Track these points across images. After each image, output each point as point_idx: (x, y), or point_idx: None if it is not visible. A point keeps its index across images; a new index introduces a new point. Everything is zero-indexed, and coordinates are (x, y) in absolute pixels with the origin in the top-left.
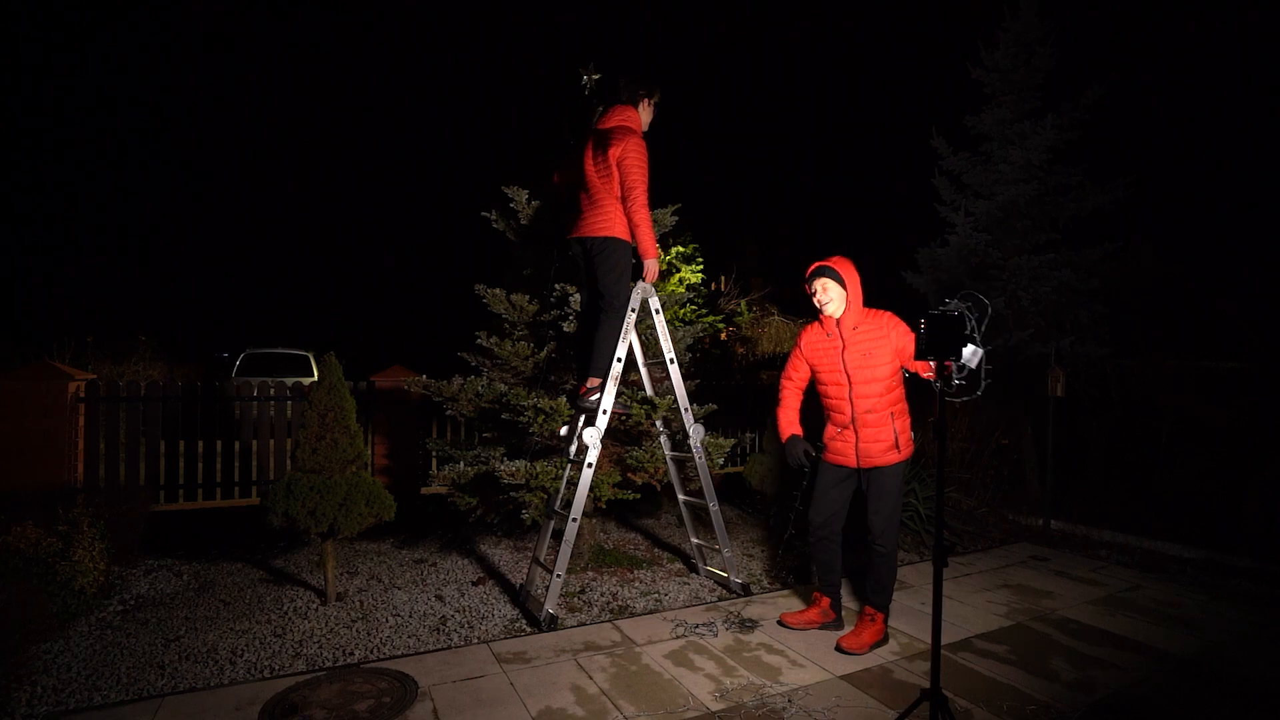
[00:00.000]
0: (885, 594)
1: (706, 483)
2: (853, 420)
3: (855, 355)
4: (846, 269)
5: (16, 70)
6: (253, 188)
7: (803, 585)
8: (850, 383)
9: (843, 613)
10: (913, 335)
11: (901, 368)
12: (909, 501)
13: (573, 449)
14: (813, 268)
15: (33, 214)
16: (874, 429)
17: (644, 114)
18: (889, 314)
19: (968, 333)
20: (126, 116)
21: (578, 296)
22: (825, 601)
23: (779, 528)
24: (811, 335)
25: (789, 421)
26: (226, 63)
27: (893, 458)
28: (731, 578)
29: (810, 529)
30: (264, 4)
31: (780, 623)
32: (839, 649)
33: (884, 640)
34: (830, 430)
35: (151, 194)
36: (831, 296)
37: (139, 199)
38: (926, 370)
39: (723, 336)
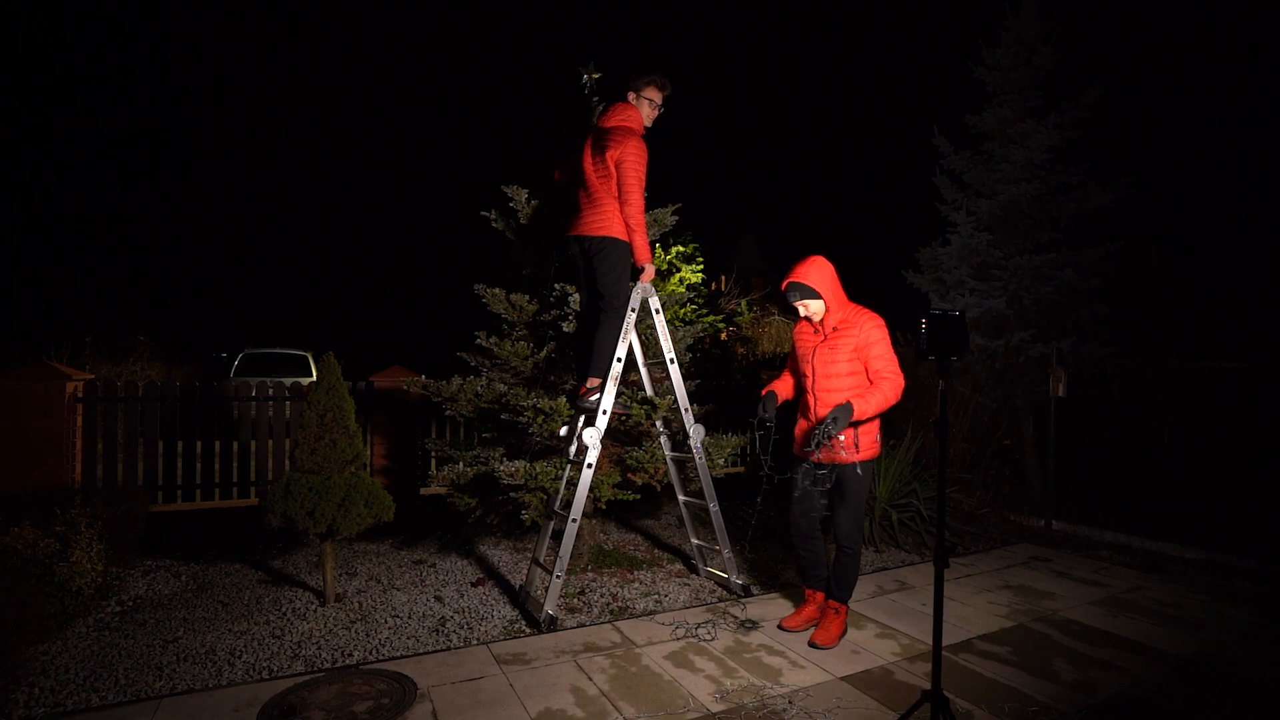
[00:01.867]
0: (848, 590)
1: (707, 483)
2: (814, 412)
3: (825, 350)
4: (817, 275)
5: (15, 69)
6: (252, 187)
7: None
8: (814, 375)
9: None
10: (876, 337)
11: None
12: (910, 502)
13: (572, 449)
14: (785, 284)
15: (31, 213)
16: None
17: (645, 110)
18: (868, 314)
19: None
20: (125, 115)
21: (577, 296)
22: (819, 596)
23: (779, 528)
24: (802, 325)
25: (770, 388)
26: (226, 61)
27: (850, 456)
28: (732, 578)
29: (793, 527)
30: (265, 3)
31: (781, 627)
32: (812, 645)
33: (846, 630)
34: (800, 423)
35: (150, 193)
36: (812, 309)
37: (137, 198)
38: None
39: (723, 336)
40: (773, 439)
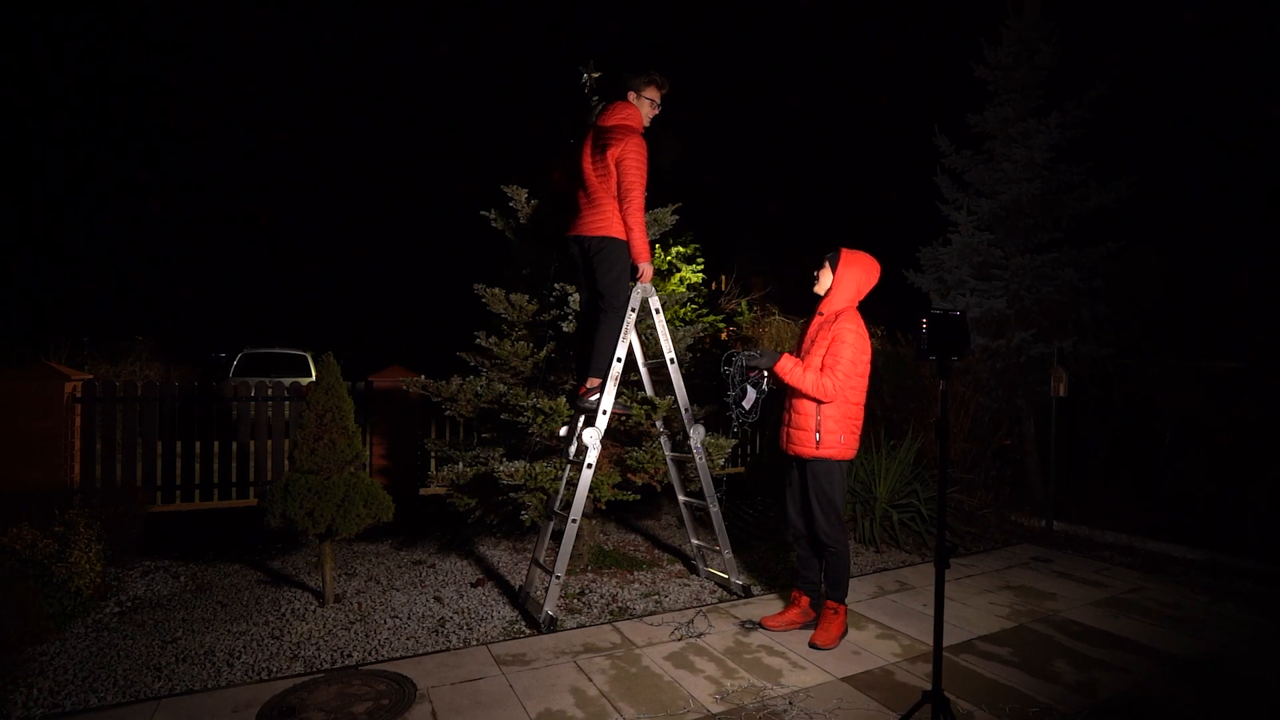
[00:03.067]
0: (843, 589)
1: (707, 483)
2: (788, 398)
3: (807, 338)
4: (845, 259)
5: (13, 67)
6: (251, 186)
7: None
8: (806, 360)
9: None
10: (847, 340)
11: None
12: (910, 503)
13: (572, 449)
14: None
15: (29, 212)
16: (799, 415)
17: (642, 108)
18: (851, 314)
19: (753, 380)
20: (124, 114)
21: (577, 296)
22: (805, 600)
23: (779, 529)
24: (814, 316)
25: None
26: (225, 60)
27: (811, 451)
28: (732, 579)
29: (789, 525)
30: (264, 1)
31: (761, 626)
32: (813, 645)
33: (846, 630)
34: (784, 414)
35: (148, 192)
36: (821, 278)
37: (136, 197)
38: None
39: (723, 336)
40: (741, 364)
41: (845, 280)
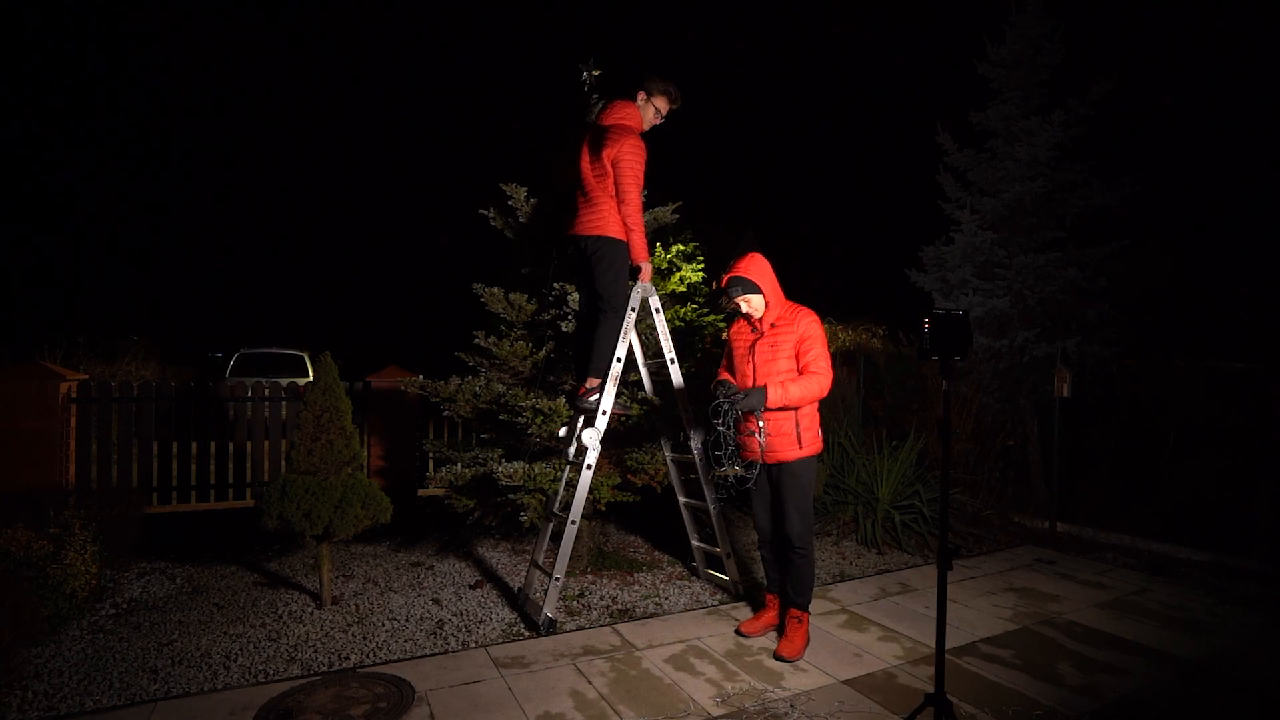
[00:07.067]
0: (808, 595)
1: (707, 484)
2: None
3: (764, 347)
4: (758, 270)
5: (8, 67)
6: (247, 185)
7: None
8: (755, 372)
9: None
10: (814, 333)
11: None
12: (913, 504)
13: (571, 450)
14: (726, 279)
15: (24, 212)
16: (776, 422)
17: (645, 111)
18: (806, 311)
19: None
20: (120, 113)
21: (576, 296)
22: (780, 601)
23: None
24: (739, 325)
25: (723, 376)
26: (222, 59)
27: (796, 453)
28: (733, 581)
29: (757, 530)
30: (261, 1)
31: (740, 633)
32: (778, 657)
33: (809, 640)
34: (741, 425)
35: (144, 192)
36: (754, 305)
37: (132, 197)
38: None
39: (724, 336)
40: (734, 416)
41: (768, 286)
